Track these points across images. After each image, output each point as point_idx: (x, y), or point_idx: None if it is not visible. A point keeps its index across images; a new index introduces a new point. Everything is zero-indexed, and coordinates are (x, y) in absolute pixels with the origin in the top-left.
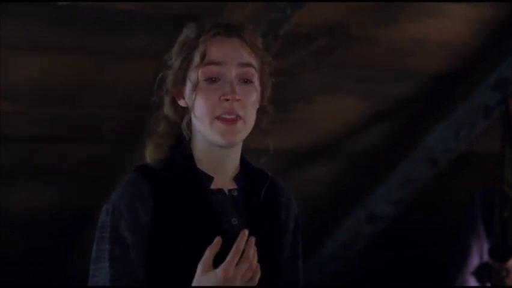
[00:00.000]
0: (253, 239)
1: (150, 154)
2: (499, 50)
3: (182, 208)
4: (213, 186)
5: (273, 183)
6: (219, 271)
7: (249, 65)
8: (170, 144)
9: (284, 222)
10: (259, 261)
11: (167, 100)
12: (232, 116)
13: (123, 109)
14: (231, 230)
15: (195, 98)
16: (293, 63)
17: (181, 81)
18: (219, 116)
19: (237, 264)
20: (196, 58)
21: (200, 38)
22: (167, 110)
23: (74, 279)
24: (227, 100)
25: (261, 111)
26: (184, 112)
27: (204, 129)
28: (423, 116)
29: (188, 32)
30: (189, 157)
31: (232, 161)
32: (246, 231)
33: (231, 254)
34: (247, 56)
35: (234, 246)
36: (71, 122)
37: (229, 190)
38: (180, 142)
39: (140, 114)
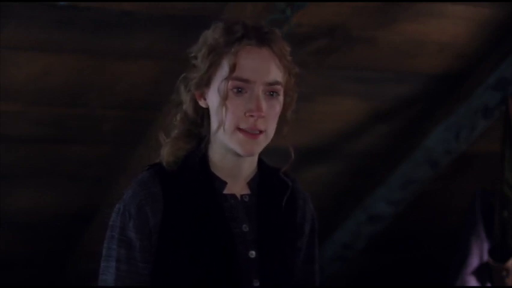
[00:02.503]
0: None
1: (166, 155)
2: (498, 51)
3: (193, 212)
4: (225, 191)
5: (286, 184)
6: None
7: (276, 83)
8: (187, 143)
9: (300, 225)
10: (273, 267)
11: (188, 99)
12: (255, 132)
13: (123, 109)
14: (241, 236)
15: (221, 109)
16: (293, 63)
17: (205, 84)
18: (241, 129)
19: None
20: (225, 67)
21: (230, 45)
22: (187, 106)
23: (74, 280)
24: (252, 116)
25: (282, 119)
26: (204, 112)
27: (223, 136)
28: (423, 117)
29: (217, 34)
30: (203, 160)
31: (248, 167)
32: None
33: None
34: (276, 71)
35: None
36: (71, 122)
37: (242, 195)
38: (198, 144)
39: (141, 115)
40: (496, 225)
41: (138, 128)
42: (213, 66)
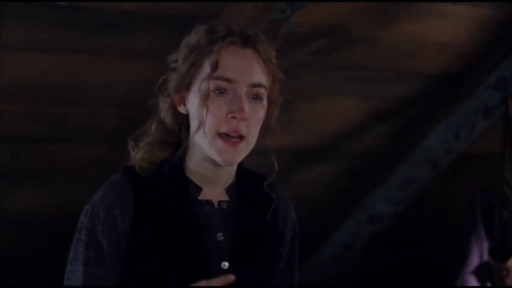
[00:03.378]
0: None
1: (139, 160)
2: (498, 51)
3: (164, 219)
4: (201, 197)
5: (268, 195)
6: None
7: (259, 85)
8: (162, 151)
9: (281, 232)
10: (247, 278)
11: (166, 104)
12: (236, 138)
13: (123, 109)
14: (214, 245)
15: (202, 109)
16: (293, 63)
17: (185, 87)
18: (221, 134)
19: None
20: (206, 67)
21: (212, 44)
22: (164, 115)
23: None
24: (234, 118)
25: (266, 127)
26: (183, 119)
27: (203, 142)
28: (423, 116)
29: (198, 35)
30: (179, 165)
31: (226, 174)
32: (232, 277)
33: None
34: (260, 74)
35: (207, 281)
36: (71, 122)
37: (219, 202)
38: (174, 151)
39: (140, 114)
40: (496, 225)
41: (138, 128)
42: (194, 67)
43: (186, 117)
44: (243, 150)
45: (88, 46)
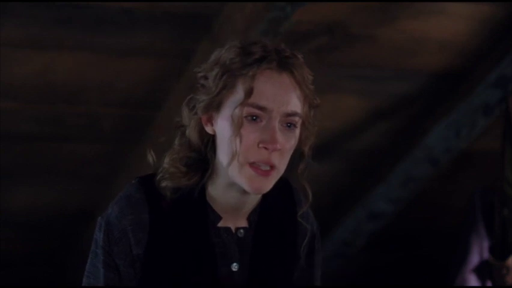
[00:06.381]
0: None
1: (163, 188)
2: (499, 49)
3: (179, 246)
4: (220, 224)
5: (294, 207)
6: None
7: (294, 114)
8: (189, 181)
9: (299, 247)
10: None
11: (193, 123)
12: (267, 167)
13: (123, 107)
14: (229, 276)
15: (235, 138)
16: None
17: (215, 108)
18: (252, 163)
19: None
20: (239, 91)
21: (247, 67)
22: (190, 132)
23: (74, 279)
24: (266, 148)
25: (298, 156)
26: (209, 138)
27: (231, 169)
28: (424, 114)
29: (232, 54)
30: (200, 190)
31: (251, 204)
32: None
33: None
34: (295, 102)
35: None
36: (71, 120)
37: (236, 229)
38: (200, 179)
39: (141, 113)
40: (496, 223)
41: (138, 126)
42: (226, 89)
43: (212, 136)
44: (274, 178)
45: (87, 44)
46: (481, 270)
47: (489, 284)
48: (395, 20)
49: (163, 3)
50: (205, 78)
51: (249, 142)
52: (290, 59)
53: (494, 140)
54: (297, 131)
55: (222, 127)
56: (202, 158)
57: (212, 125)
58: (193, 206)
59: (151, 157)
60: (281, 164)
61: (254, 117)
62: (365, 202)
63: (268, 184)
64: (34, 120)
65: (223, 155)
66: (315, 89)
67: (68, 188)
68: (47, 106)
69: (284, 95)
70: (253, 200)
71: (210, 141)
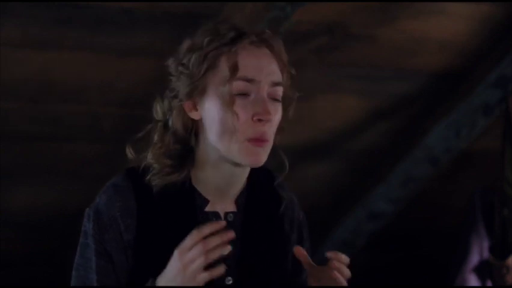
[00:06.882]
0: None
1: (154, 178)
2: (499, 49)
3: (168, 232)
4: (208, 209)
5: (278, 195)
6: (176, 252)
7: (279, 83)
8: (179, 177)
9: (287, 234)
10: (263, 283)
11: (174, 111)
12: (264, 140)
13: (123, 107)
14: (219, 260)
15: (228, 115)
16: (293, 61)
17: (200, 91)
18: (250, 139)
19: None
20: (224, 70)
21: (226, 46)
22: (174, 122)
23: None
24: (260, 121)
25: (278, 129)
26: (193, 125)
27: (226, 148)
28: (424, 114)
29: (207, 36)
30: (186, 175)
31: (239, 183)
32: (223, 223)
33: (190, 235)
34: (277, 72)
35: (198, 230)
36: (71, 120)
37: (225, 214)
38: (184, 162)
39: (141, 113)
40: (496, 223)
41: (138, 127)
42: (209, 70)
43: (197, 122)
44: (267, 151)
45: (87, 44)
46: (481, 270)
47: (489, 283)
48: (395, 20)
49: (163, 3)
50: (183, 65)
51: (244, 117)
52: (265, 34)
53: (494, 140)
54: (281, 106)
55: (209, 109)
56: (187, 148)
57: (197, 110)
58: (180, 191)
59: (129, 153)
60: (271, 138)
61: (243, 93)
62: (365, 202)
63: (265, 155)
64: (34, 120)
65: (214, 135)
66: (315, 89)
67: (68, 188)
68: (47, 106)
69: (268, 66)
70: (241, 179)
71: (193, 128)
